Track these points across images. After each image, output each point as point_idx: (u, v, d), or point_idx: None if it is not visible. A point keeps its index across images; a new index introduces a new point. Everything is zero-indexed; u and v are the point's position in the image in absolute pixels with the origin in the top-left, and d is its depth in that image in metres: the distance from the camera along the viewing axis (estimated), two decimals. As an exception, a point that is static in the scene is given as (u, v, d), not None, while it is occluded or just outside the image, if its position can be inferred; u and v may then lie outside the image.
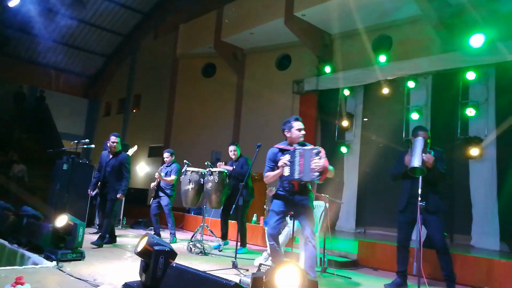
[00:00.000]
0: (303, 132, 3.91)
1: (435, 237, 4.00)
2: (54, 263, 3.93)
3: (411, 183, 4.07)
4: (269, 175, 3.86)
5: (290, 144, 3.91)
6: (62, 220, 4.43)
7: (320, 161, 3.55)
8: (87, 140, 6.36)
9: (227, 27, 12.36)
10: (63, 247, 4.33)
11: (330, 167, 3.71)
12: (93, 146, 6.44)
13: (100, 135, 18.24)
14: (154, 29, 17.18)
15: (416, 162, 3.75)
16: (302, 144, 3.87)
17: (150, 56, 16.79)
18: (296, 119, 3.95)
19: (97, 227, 7.14)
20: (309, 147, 3.75)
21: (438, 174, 3.98)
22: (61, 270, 3.73)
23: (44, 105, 17.37)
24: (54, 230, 4.43)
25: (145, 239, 2.99)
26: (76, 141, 6.32)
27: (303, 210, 3.80)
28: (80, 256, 4.38)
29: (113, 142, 6.12)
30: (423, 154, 3.78)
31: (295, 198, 3.81)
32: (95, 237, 6.44)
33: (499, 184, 7.29)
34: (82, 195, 7.08)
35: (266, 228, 5.22)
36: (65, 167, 7.23)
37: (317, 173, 3.56)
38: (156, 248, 2.90)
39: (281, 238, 4.87)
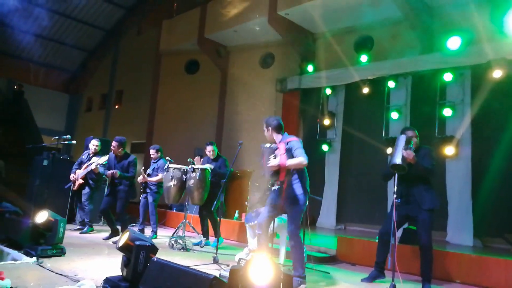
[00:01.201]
0: (265, 134, 4.09)
1: (422, 235, 4.10)
2: (34, 259, 3.93)
3: (402, 182, 4.13)
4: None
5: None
6: (42, 216, 4.41)
7: (273, 160, 3.68)
8: (68, 136, 6.35)
9: (211, 24, 12.36)
10: (43, 243, 4.31)
11: (296, 160, 3.74)
12: (74, 142, 6.43)
13: (81, 131, 18.02)
14: (137, 25, 17.03)
15: (396, 159, 3.87)
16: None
17: (132, 52, 16.66)
18: (264, 121, 4.14)
19: (78, 223, 7.11)
20: (269, 145, 3.88)
21: (422, 169, 4.06)
22: (42, 266, 3.73)
23: (23, 100, 17.02)
24: (34, 226, 4.41)
25: (127, 234, 3.03)
26: (57, 137, 6.30)
27: (287, 206, 3.91)
28: (61, 252, 4.37)
29: (93, 145, 6.36)
30: (404, 151, 3.90)
31: (282, 194, 3.92)
32: (76, 234, 6.46)
33: (474, 182, 7.54)
34: (63, 191, 7.02)
35: (247, 225, 5.32)
36: (45, 162, 7.15)
37: (271, 172, 3.70)
38: (137, 243, 2.94)
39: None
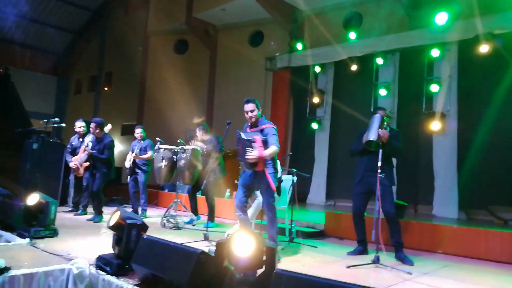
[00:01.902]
0: (250, 114, 4.13)
1: (387, 206, 4.25)
2: (27, 240, 4.00)
3: (367, 158, 4.33)
4: None
5: (249, 125, 4.25)
6: (34, 199, 4.47)
7: (253, 153, 3.79)
8: (57, 119, 6.33)
9: (199, 3, 12.19)
10: (35, 225, 4.38)
11: (271, 150, 3.89)
12: (63, 125, 6.42)
13: (71, 114, 17.88)
14: (124, 5, 16.71)
15: (372, 136, 4.02)
16: (254, 125, 4.14)
17: (120, 33, 16.38)
18: (246, 101, 4.16)
19: (72, 205, 7.17)
20: (244, 136, 3.96)
21: (392, 148, 4.24)
22: (35, 247, 3.81)
23: (10, 83, 16.77)
24: (26, 208, 4.47)
25: (117, 213, 3.11)
26: (45, 120, 6.28)
27: (261, 184, 4.07)
28: (54, 233, 4.45)
29: (79, 127, 6.36)
30: (379, 130, 4.04)
31: (254, 172, 4.06)
32: (68, 216, 6.53)
33: (459, 157, 7.70)
34: (54, 174, 7.06)
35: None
36: (35, 146, 7.13)
37: (250, 162, 3.84)
38: (129, 221, 3.03)
39: (251, 210, 5.09)
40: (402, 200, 6.24)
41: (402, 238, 4.36)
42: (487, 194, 7.44)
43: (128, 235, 2.96)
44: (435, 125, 7.89)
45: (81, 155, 6.46)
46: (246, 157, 3.81)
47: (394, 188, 4.53)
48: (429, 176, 8.06)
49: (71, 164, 6.67)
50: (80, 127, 6.83)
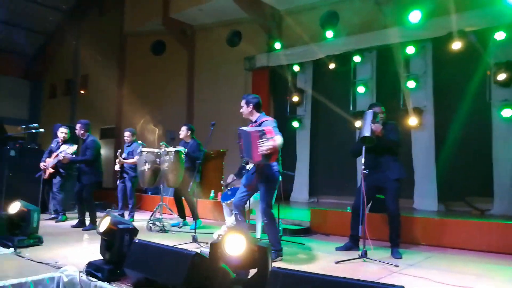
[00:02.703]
0: (241, 110, 4.16)
1: (390, 203, 4.34)
2: (12, 249, 3.92)
3: (369, 155, 4.28)
4: None
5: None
6: (15, 207, 4.37)
7: (268, 143, 3.57)
8: (36, 125, 6.20)
9: (175, 3, 12.10)
10: (19, 234, 4.29)
11: (280, 139, 3.72)
12: (42, 130, 6.28)
13: (46, 118, 17.41)
14: (98, 6, 16.39)
15: (365, 131, 4.08)
16: (254, 121, 4.10)
17: (95, 34, 16.07)
18: (243, 98, 4.18)
19: (52, 212, 7.03)
20: (246, 128, 3.90)
21: (389, 141, 4.30)
22: (20, 256, 3.74)
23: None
24: (8, 217, 4.37)
25: (108, 219, 3.08)
26: (23, 126, 6.14)
27: (260, 185, 4.04)
28: (38, 242, 4.37)
29: (62, 133, 6.28)
30: (372, 124, 4.11)
31: (254, 173, 4.06)
32: (51, 223, 6.40)
33: (437, 151, 7.94)
34: (34, 181, 6.90)
35: (223, 203, 5.44)
36: (12, 153, 6.98)
37: (263, 155, 3.61)
38: (121, 226, 3.01)
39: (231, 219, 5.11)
40: (382, 194, 6.37)
41: (387, 231, 4.46)
42: (464, 186, 7.69)
43: (121, 240, 2.94)
44: (412, 121, 8.10)
45: (52, 160, 6.37)
46: (261, 148, 3.58)
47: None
48: (409, 170, 8.25)
49: (41, 164, 6.58)
50: (62, 132, 6.66)
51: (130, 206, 6.74)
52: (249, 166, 4.17)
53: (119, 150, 6.85)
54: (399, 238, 4.39)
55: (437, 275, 3.47)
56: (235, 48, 12.02)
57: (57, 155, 6.18)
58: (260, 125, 3.97)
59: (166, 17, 12.31)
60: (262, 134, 3.63)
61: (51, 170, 6.45)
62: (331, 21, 10.15)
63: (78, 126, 6.01)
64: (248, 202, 4.51)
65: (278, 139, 3.69)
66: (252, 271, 2.54)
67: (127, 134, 6.91)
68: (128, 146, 6.87)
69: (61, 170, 6.65)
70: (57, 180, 6.69)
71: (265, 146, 3.59)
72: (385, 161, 4.13)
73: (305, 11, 10.36)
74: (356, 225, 4.53)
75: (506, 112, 7.14)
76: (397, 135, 4.42)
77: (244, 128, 3.94)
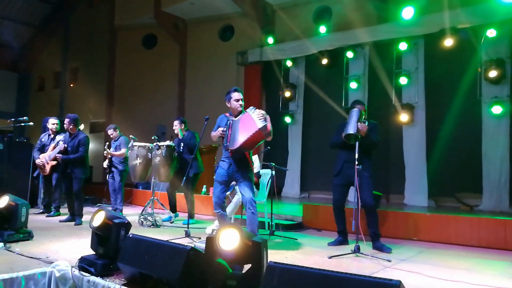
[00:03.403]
0: (241, 102, 4.15)
1: (366, 198, 4.38)
2: (1, 244, 3.85)
3: (346, 151, 4.43)
4: (212, 134, 4.22)
5: (233, 114, 4.17)
6: (3, 201, 4.29)
7: (267, 125, 3.75)
8: (25, 118, 6.10)
9: (167, -3, 11.98)
10: (8, 228, 4.21)
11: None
12: (31, 123, 6.17)
13: (34, 111, 17.14)
14: (88, -3, 16.16)
15: (351, 129, 4.11)
16: (238, 115, 4.10)
17: (85, 27, 15.84)
18: (235, 90, 4.20)
19: (43, 207, 6.94)
20: (240, 116, 3.99)
21: (371, 142, 4.36)
22: (10, 251, 3.68)
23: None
24: (-4, 211, 4.29)
25: (102, 213, 3.04)
26: (13, 119, 6.03)
27: (241, 178, 4.07)
28: (28, 236, 4.30)
29: (53, 124, 6.14)
30: (358, 123, 4.13)
31: (234, 167, 4.07)
32: (40, 217, 6.32)
33: (428, 147, 8.01)
34: (22, 174, 6.80)
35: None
36: (0, 146, 6.86)
37: (250, 143, 3.81)
38: (116, 221, 2.98)
39: (231, 206, 5.10)
40: (375, 190, 6.42)
41: (379, 227, 4.50)
42: (454, 182, 7.78)
43: (117, 235, 2.91)
44: (404, 117, 8.15)
45: (50, 153, 6.25)
46: (264, 127, 3.71)
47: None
48: (400, 166, 8.34)
49: (37, 161, 6.44)
50: (53, 123, 6.58)
51: (118, 200, 6.65)
52: (225, 160, 4.15)
53: (107, 143, 6.77)
54: (379, 230, 4.44)
55: (429, 270, 3.50)
56: (227, 42, 11.97)
57: (54, 147, 6.07)
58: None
59: (158, 11, 12.20)
60: (229, 122, 3.96)
61: (53, 163, 6.27)
62: (324, 16, 10.16)
63: (66, 120, 5.88)
64: (240, 198, 4.52)
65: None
66: (247, 266, 2.54)
67: (110, 131, 6.83)
68: (115, 141, 6.80)
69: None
70: (56, 175, 6.53)
71: (266, 121, 3.74)
72: (360, 158, 4.15)
73: (298, 6, 10.34)
74: (341, 220, 4.63)
75: (496, 109, 7.22)
76: (379, 135, 4.48)
77: (233, 118, 4.06)
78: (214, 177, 4.27)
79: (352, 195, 4.73)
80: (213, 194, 4.24)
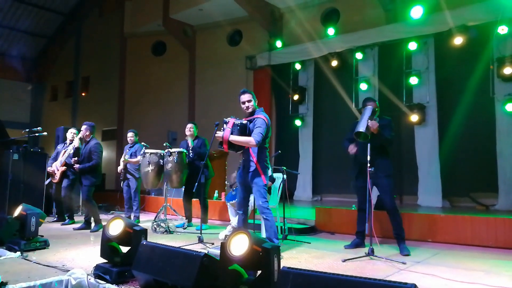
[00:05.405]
0: (246, 104, 4.17)
1: (385, 199, 4.34)
2: (18, 253, 3.91)
3: (362, 151, 4.33)
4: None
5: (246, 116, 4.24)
6: (17, 211, 4.37)
7: (219, 132, 3.97)
8: (39, 128, 6.18)
9: (175, 4, 12.09)
10: (23, 238, 4.27)
11: (241, 138, 3.92)
12: (45, 133, 6.27)
13: (47, 121, 17.44)
14: (98, 7, 16.39)
15: (360, 127, 4.07)
16: (251, 115, 4.15)
17: (96, 36, 16.09)
18: (241, 93, 4.23)
19: (56, 216, 7.03)
20: (228, 119, 4.05)
21: (383, 139, 4.28)
22: (27, 260, 3.73)
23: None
24: (13, 220, 4.37)
25: (120, 222, 3.07)
26: (27, 130, 6.14)
27: (249, 182, 4.09)
28: (45, 245, 4.36)
29: (71, 133, 6.29)
30: (369, 121, 4.09)
31: (242, 170, 4.14)
32: (55, 226, 6.40)
33: (440, 146, 7.92)
34: (38, 184, 6.91)
35: (228, 203, 5.43)
36: (15, 156, 6.97)
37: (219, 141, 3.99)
38: (137, 228, 3.01)
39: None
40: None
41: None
42: (468, 181, 7.67)
43: (137, 243, 2.94)
44: (415, 117, 8.08)
45: (60, 159, 6.34)
46: (215, 134, 3.99)
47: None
48: (412, 167, 8.26)
49: (49, 169, 6.54)
50: (72, 132, 6.69)
51: (134, 207, 6.73)
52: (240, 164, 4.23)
53: (126, 150, 6.85)
54: (403, 232, 4.37)
55: (445, 272, 3.45)
56: (236, 47, 12.02)
57: (65, 152, 6.17)
58: (253, 120, 4.06)
59: (166, 18, 12.31)
60: (224, 123, 4.00)
61: (63, 168, 6.36)
62: (332, 18, 10.14)
63: (83, 127, 5.98)
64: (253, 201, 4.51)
65: (237, 137, 3.91)
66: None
67: (130, 134, 6.94)
68: (130, 147, 6.87)
69: (68, 173, 6.56)
70: (65, 183, 6.58)
71: (217, 134, 3.98)
72: (375, 159, 4.10)
73: (306, 9, 10.34)
74: (361, 221, 4.52)
75: (510, 107, 7.11)
76: (391, 132, 4.39)
77: (226, 119, 4.10)
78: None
79: (374, 195, 4.65)
80: (237, 195, 4.37)
